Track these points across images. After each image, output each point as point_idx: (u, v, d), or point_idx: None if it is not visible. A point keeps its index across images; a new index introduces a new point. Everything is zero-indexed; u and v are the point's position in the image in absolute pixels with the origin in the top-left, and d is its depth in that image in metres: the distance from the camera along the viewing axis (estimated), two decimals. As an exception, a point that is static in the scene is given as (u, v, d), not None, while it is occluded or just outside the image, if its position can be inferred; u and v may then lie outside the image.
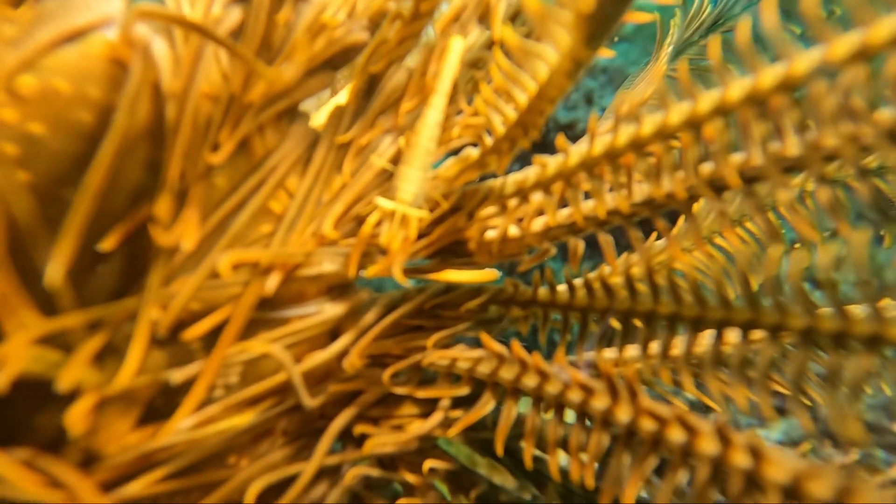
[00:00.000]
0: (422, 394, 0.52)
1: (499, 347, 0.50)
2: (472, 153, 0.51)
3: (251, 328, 0.45)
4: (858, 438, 0.30)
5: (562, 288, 0.52)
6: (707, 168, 0.40)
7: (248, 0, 0.42)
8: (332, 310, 0.50)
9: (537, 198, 0.51)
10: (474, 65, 0.54)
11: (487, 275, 0.55)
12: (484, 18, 0.53)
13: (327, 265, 0.48)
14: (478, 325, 0.56)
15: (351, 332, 0.51)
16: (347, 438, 0.54)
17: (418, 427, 0.51)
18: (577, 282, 0.51)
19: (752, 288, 0.36)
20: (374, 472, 0.51)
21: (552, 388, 0.45)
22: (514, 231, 0.52)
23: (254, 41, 0.42)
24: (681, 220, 0.64)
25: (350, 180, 0.49)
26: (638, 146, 0.42)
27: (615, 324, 0.48)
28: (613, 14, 0.31)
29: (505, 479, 0.54)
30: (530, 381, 0.47)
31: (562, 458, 0.46)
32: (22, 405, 0.37)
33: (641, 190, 0.45)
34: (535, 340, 0.55)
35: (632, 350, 0.53)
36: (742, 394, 0.37)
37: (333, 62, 0.49)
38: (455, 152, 0.54)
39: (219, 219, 0.42)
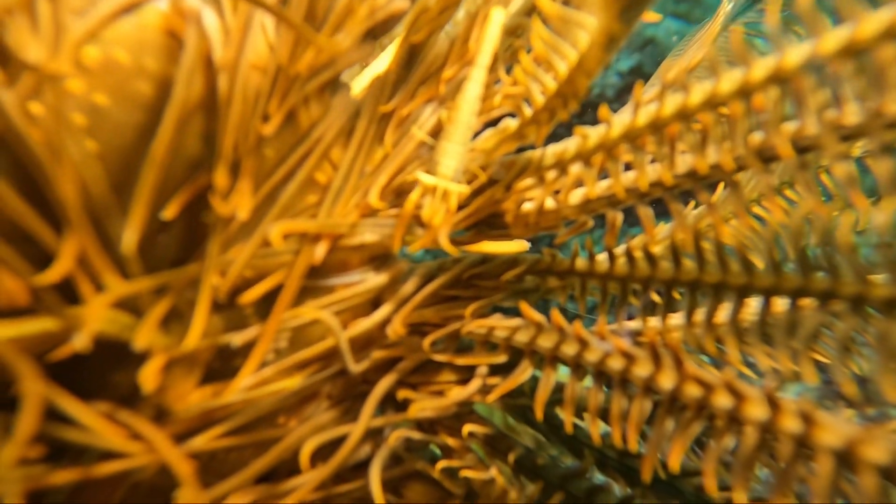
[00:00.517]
0: (461, 361, 0.53)
1: (538, 316, 0.50)
2: (511, 124, 0.51)
3: (300, 296, 0.46)
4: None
5: (601, 257, 0.52)
6: (756, 138, 0.39)
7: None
8: (374, 279, 0.51)
9: (576, 169, 0.51)
10: (513, 32, 0.53)
11: (516, 245, 0.56)
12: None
13: (368, 235, 0.49)
14: (514, 294, 0.57)
15: (392, 301, 0.52)
16: (386, 403, 0.55)
17: (458, 393, 0.53)
18: (618, 250, 0.51)
19: (805, 254, 0.36)
20: (416, 435, 0.52)
21: (592, 356, 0.46)
22: (550, 203, 0.52)
23: (300, 10, 0.42)
24: (719, 189, 0.63)
25: (392, 151, 0.50)
26: (685, 116, 0.41)
27: (654, 297, 0.49)
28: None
29: (541, 445, 0.56)
30: (570, 349, 0.47)
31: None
32: (98, 364, 0.39)
33: (685, 161, 0.45)
34: (574, 311, 0.56)
35: (676, 318, 0.54)
36: (786, 361, 0.38)
37: (374, 32, 0.49)
38: (493, 123, 0.54)
39: (269, 189, 0.43)
